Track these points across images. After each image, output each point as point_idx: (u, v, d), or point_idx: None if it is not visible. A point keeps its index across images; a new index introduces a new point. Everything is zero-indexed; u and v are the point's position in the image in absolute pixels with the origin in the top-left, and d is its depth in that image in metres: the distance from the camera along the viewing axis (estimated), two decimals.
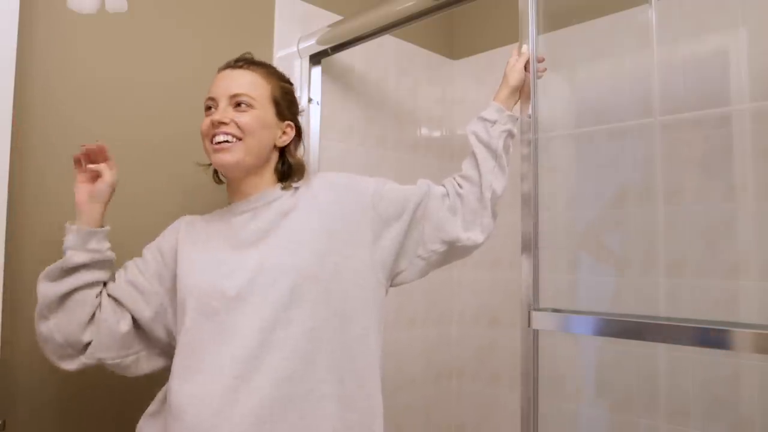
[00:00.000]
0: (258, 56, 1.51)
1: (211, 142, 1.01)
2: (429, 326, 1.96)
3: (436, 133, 2.06)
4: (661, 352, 1.45)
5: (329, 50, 1.55)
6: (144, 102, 1.30)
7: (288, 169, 1.09)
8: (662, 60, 1.50)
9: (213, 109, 1.02)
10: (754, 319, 1.33)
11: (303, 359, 0.92)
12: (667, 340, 0.92)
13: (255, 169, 1.05)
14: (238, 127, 1.00)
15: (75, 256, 0.96)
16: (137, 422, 1.21)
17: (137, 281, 1.04)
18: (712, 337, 0.84)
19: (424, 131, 2.01)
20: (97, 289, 1.00)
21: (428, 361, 1.95)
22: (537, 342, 1.05)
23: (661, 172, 1.50)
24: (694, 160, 1.44)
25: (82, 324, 0.97)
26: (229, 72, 1.05)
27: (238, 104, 1.01)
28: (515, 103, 1.14)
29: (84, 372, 1.16)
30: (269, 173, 1.07)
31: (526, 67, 1.12)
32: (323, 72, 1.61)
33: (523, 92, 1.13)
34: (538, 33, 1.13)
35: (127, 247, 1.25)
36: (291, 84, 1.12)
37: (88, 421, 1.19)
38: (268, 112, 1.04)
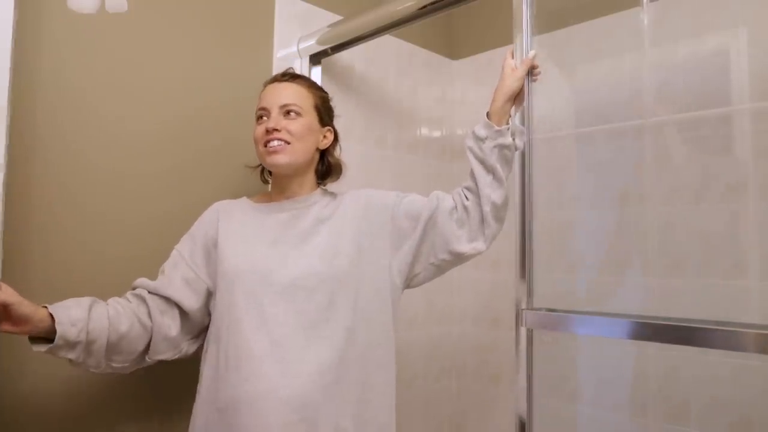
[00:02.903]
0: (258, 56, 1.53)
1: (265, 146, 1.14)
2: (430, 326, 1.96)
3: (436, 133, 2.06)
4: (660, 352, 1.45)
5: (329, 50, 1.55)
6: (143, 103, 1.30)
7: (327, 169, 1.25)
8: (662, 60, 1.50)
9: (265, 118, 1.16)
10: (754, 319, 1.33)
11: (339, 353, 1.07)
12: (666, 341, 0.92)
13: (302, 169, 1.19)
14: (289, 132, 1.13)
15: (70, 354, 0.98)
16: (134, 422, 1.21)
17: (186, 275, 1.13)
18: (712, 337, 0.84)
19: (424, 131, 2.01)
20: (114, 317, 1.03)
21: (429, 361, 1.95)
22: (531, 342, 1.05)
23: (660, 172, 1.49)
24: (694, 160, 1.44)
25: (133, 344, 1.06)
26: (277, 85, 1.18)
27: (288, 113, 1.15)
28: (511, 109, 1.13)
29: (81, 372, 1.16)
30: (311, 174, 1.22)
31: (528, 73, 1.12)
32: (323, 72, 1.61)
33: (518, 96, 1.12)
34: (535, 33, 1.12)
35: (129, 246, 1.26)
36: (327, 93, 1.26)
37: (88, 419, 1.19)
38: (312, 119, 1.18)
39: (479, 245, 1.14)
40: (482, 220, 1.13)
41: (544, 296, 1.09)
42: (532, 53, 1.11)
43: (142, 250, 1.26)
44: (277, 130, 1.12)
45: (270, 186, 1.27)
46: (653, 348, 1.46)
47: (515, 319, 1.06)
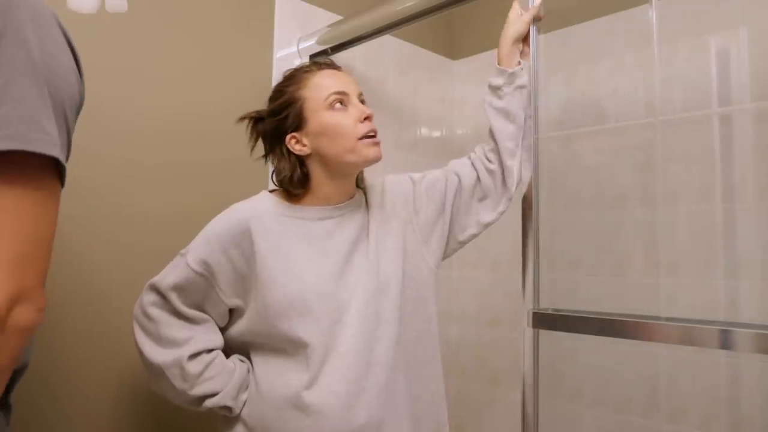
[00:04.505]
0: (258, 56, 1.53)
1: (367, 137, 1.00)
2: None
3: (436, 133, 2.06)
4: (661, 352, 1.45)
5: (329, 50, 1.55)
6: (142, 102, 1.30)
7: None
8: (662, 60, 1.50)
9: (344, 104, 1.01)
10: (754, 319, 1.33)
11: (390, 368, 1.00)
12: (667, 341, 0.92)
13: None
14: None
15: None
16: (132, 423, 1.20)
17: (222, 310, 1.04)
18: (712, 338, 0.84)
19: (424, 131, 2.01)
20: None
21: None
22: (538, 342, 1.05)
23: (661, 172, 1.50)
24: (694, 160, 1.44)
25: None
26: (337, 72, 1.06)
27: (363, 102, 1.04)
28: (519, 51, 1.13)
29: (82, 373, 1.16)
30: None
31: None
32: None
33: (525, 40, 1.13)
34: (538, 33, 1.13)
35: (123, 247, 1.26)
36: None
37: (87, 418, 1.20)
38: None
39: (502, 207, 1.13)
40: (504, 178, 1.11)
41: (546, 297, 1.09)
42: (538, 1, 1.11)
43: (136, 251, 1.26)
44: (372, 116, 1.01)
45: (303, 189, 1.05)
46: (653, 348, 1.46)
47: (529, 319, 1.05)
